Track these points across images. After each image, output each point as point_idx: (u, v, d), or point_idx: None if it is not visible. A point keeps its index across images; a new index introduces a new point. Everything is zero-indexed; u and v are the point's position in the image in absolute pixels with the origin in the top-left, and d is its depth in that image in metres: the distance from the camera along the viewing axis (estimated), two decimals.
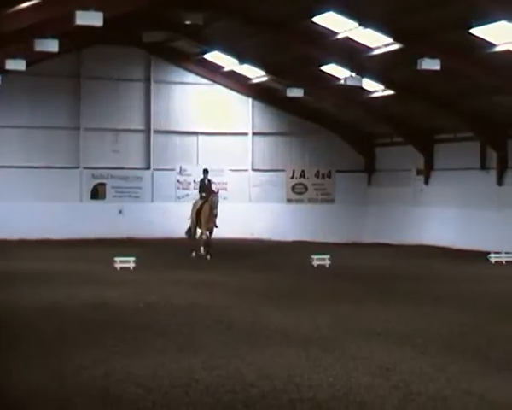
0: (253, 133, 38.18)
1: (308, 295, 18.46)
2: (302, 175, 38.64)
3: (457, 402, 9.34)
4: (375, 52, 27.35)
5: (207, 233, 27.01)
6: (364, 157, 39.04)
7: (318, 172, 38.75)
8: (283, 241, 35.24)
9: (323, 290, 19.23)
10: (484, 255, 27.09)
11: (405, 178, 36.60)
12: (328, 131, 38.34)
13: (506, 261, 26.57)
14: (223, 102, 37.54)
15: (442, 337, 13.36)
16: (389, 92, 31.29)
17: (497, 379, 10.42)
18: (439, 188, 34.58)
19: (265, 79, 35.06)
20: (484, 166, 32.53)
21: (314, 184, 38.73)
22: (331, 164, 38.59)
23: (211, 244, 26.91)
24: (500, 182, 31.55)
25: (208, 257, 26.54)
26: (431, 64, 24.66)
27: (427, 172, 35.53)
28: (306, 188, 38.69)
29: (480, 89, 27.96)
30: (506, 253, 27.17)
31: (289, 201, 38.51)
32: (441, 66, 24.63)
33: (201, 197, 27.81)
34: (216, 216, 26.66)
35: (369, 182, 39.22)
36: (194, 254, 26.97)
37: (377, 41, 26.58)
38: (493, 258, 26.81)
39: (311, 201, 38.59)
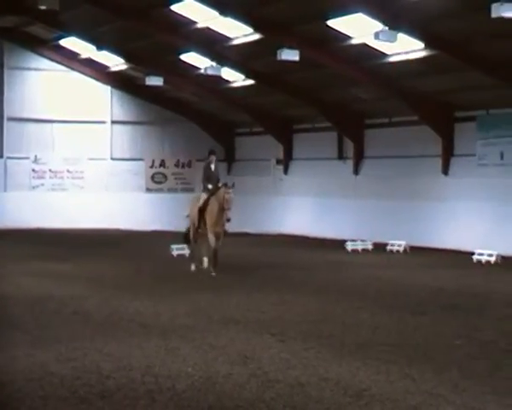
0: (112, 122, 37.65)
1: (167, 284, 18.31)
2: (162, 164, 38.40)
3: (314, 389, 9.43)
4: (235, 42, 27.44)
5: (213, 240, 20.29)
6: (224, 147, 39.13)
7: (178, 161, 38.60)
8: (143, 231, 34.91)
9: (183, 280, 19.14)
10: (341, 244, 27.65)
11: (265, 168, 36.90)
12: (189, 120, 38.24)
13: (362, 249, 27.21)
14: (80, 89, 36.80)
15: (300, 325, 13.50)
16: (249, 82, 31.45)
17: (351, 365, 10.59)
18: (298, 177, 35.05)
19: (124, 67, 34.59)
20: (341, 156, 33.21)
21: (174, 174, 38.55)
22: (191, 153, 38.49)
23: (217, 255, 20.23)
24: (356, 171, 32.27)
25: (213, 274, 19.86)
26: (290, 55, 24.95)
27: (286, 162, 35.97)
28: (166, 177, 38.47)
29: (338, 80, 28.49)
30: (362, 241, 27.84)
31: (149, 190, 38.19)
32: (300, 57, 24.97)
33: (206, 189, 20.75)
34: (228, 220, 20.45)
35: (229, 171, 39.31)
36: (193, 267, 20.74)
37: (237, 31, 26.64)
38: (350, 246, 27.42)
39: (170, 190, 38.38)
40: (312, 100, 31.58)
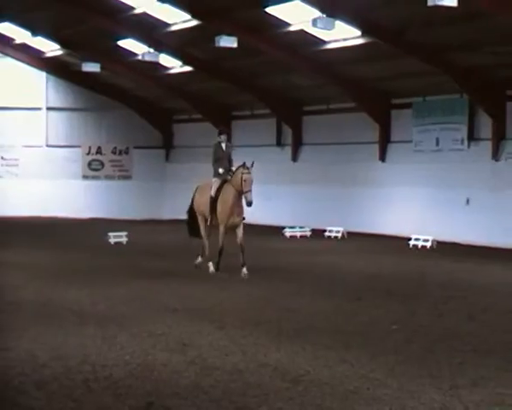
0: (48, 108, 37.16)
1: (105, 272, 18.15)
2: (99, 151, 38.03)
3: (253, 375, 9.44)
4: (173, 28, 27.26)
5: (223, 235, 17.85)
6: (162, 133, 38.98)
7: (116, 148, 38.27)
8: (79, 218, 34.58)
9: (120, 268, 19.00)
10: (279, 230, 27.75)
11: (204, 155, 36.73)
12: (126, 106, 37.94)
13: (300, 236, 27.35)
14: (15, 75, 36.25)
15: (239, 311, 13.51)
16: (187, 69, 31.28)
17: (289, 350, 10.64)
18: (236, 164, 34.91)
19: (60, 52, 34.12)
20: (280, 143, 33.29)
21: (111, 161, 38.23)
22: (128, 140, 38.21)
23: (244, 250, 17.66)
24: (295, 158, 32.39)
25: (245, 271, 17.38)
26: (228, 41, 24.87)
27: None
28: (103, 164, 38.11)
29: (276, 67, 28.51)
30: (300, 227, 27.98)
31: (85, 177, 37.81)
32: (238, 43, 24.90)
33: (217, 174, 18.16)
34: (250, 204, 17.41)
35: (167, 158, 39.21)
36: (211, 267, 18.12)
37: (175, 17, 26.46)
38: (288, 232, 27.53)
39: (107, 177, 38.06)
40: (251, 87, 31.58)
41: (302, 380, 9.20)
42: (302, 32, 24.67)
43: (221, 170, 17.98)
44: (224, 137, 18.42)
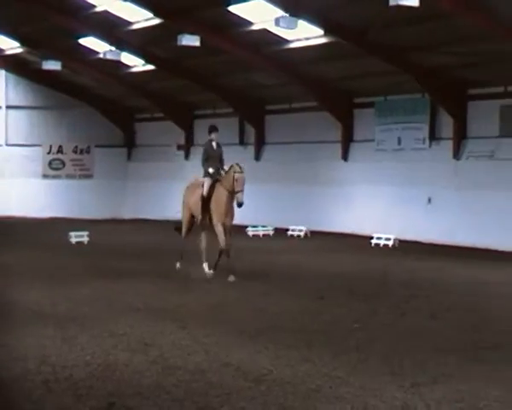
0: (7, 107, 36.77)
1: (66, 272, 17.98)
2: (60, 150, 37.72)
3: (215, 374, 9.39)
4: (135, 26, 27.12)
5: (223, 236, 17.05)
6: (124, 132, 38.79)
7: (77, 147, 37.99)
8: (40, 218, 34.25)
9: (82, 268, 18.83)
10: (242, 229, 27.71)
11: (166, 154, 36.68)
12: (87, 105, 37.69)
13: (263, 234, 27.35)
14: None
15: (202, 311, 13.45)
16: (149, 67, 31.13)
17: (252, 350, 10.61)
18: (200, 163, 34.81)
19: (20, 50, 33.75)
20: (242, 142, 33.26)
21: (72, 160, 37.94)
22: (90, 139, 37.95)
23: (229, 252, 17.11)
24: (257, 157, 32.38)
25: (232, 278, 16.69)
26: (191, 40, 24.78)
27: (187, 148, 35.83)
28: (64, 163, 37.81)
29: (239, 66, 28.47)
30: (263, 226, 27.98)
31: (46, 176, 37.47)
32: (201, 42, 24.83)
33: (208, 174, 17.57)
34: (241, 205, 16.71)
35: (129, 157, 39.02)
36: (207, 270, 17.54)
37: (137, 15, 26.31)
38: (251, 231, 27.51)
39: (68, 176, 37.78)
40: (213, 86, 31.51)
41: (264, 379, 9.18)
42: (265, 31, 24.65)
43: (211, 170, 17.37)
44: (214, 135, 17.74)
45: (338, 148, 28.97)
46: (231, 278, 16.62)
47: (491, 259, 20.63)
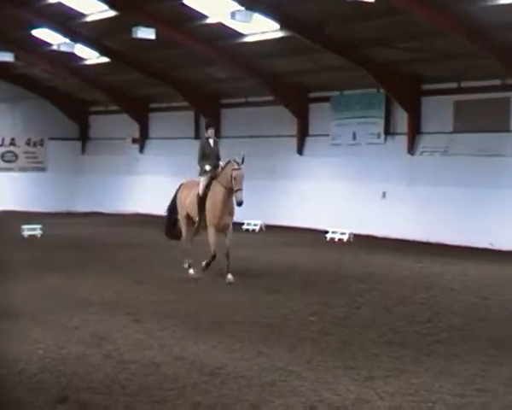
0: None
1: (19, 266, 17.78)
2: (12, 143, 37.26)
3: (170, 368, 9.36)
4: (89, 18, 26.86)
5: (214, 237, 16.28)
6: (78, 125, 38.46)
7: (30, 139, 37.57)
8: None
9: (35, 261, 18.64)
10: None
11: (120, 147, 36.44)
12: (41, 97, 37.27)
13: None
14: None
15: (156, 305, 13.39)
16: (104, 60, 30.86)
17: (207, 343, 10.60)
18: (154, 157, 34.80)
19: None
20: (197, 136, 33.11)
21: (25, 152, 37.52)
22: (43, 131, 37.55)
23: (229, 254, 16.16)
24: None
25: (230, 277, 15.86)
26: (146, 33, 24.62)
27: (142, 141, 35.66)
28: (17, 156, 37.38)
29: (194, 59, 28.36)
30: None
31: None
32: (156, 35, 24.67)
33: (204, 171, 16.61)
34: (240, 204, 15.90)
35: (83, 150, 38.71)
36: (192, 271, 16.67)
37: (91, 7, 26.06)
38: None
39: (21, 169, 37.34)
40: (169, 79, 31.36)
41: (219, 373, 9.17)
42: (220, 24, 24.59)
43: (208, 167, 16.45)
44: (211, 131, 16.87)
45: (293, 142, 29.02)
46: (230, 278, 15.77)
47: (443, 253, 20.83)
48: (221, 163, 16.64)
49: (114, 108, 35.86)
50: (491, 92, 23.00)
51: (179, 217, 17.28)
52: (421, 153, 25.00)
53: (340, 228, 24.50)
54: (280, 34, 24.09)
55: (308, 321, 12.25)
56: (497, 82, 22.74)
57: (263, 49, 25.70)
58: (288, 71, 27.30)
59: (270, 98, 28.79)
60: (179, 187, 17.65)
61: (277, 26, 23.66)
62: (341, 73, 25.69)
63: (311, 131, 28.75)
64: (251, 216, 27.86)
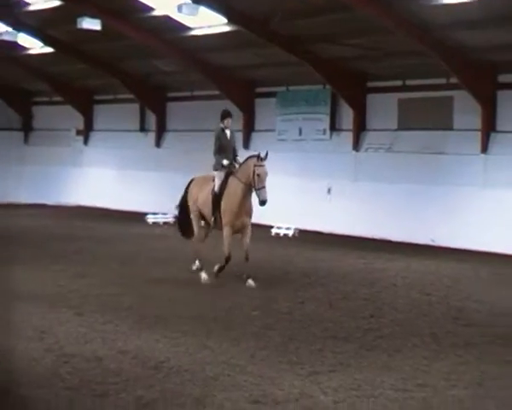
0: None
1: None
2: None
3: (112, 362, 9.29)
4: (33, 7, 26.48)
5: (229, 238, 15.21)
6: (21, 115, 37.93)
7: None
8: None
9: None
10: (142, 216, 27.48)
11: (65, 138, 36.03)
12: None
13: (163, 222, 27.15)
14: None
15: (99, 298, 13.28)
16: (48, 50, 30.43)
17: (150, 337, 10.54)
18: (99, 149, 34.48)
19: None
20: (143, 129, 32.98)
21: None
22: None
23: (248, 256, 15.11)
24: (158, 144, 32.15)
25: (251, 282, 14.78)
26: (91, 24, 24.37)
27: (86, 133, 35.33)
28: None
29: (140, 51, 28.14)
30: (163, 214, 27.79)
31: None
32: (102, 26, 24.44)
33: (220, 166, 15.45)
34: (264, 203, 15.00)
35: (26, 141, 38.21)
36: (204, 275, 15.36)
37: None
38: (151, 219, 27.30)
39: None
40: (114, 71, 31.09)
41: (162, 367, 9.12)
42: (167, 17, 24.45)
43: (225, 161, 15.27)
44: (228, 121, 15.64)
45: (239, 137, 28.95)
46: (251, 283, 14.73)
47: (387, 250, 21.01)
48: (239, 158, 15.61)
49: (59, 98, 35.44)
50: (436, 91, 23.24)
51: (191, 215, 15.98)
52: (366, 149, 25.17)
53: (285, 223, 24.55)
54: (227, 28, 24.04)
55: (252, 315, 12.25)
56: (441, 81, 22.99)
57: (209, 43, 25.61)
58: (234, 65, 27.26)
59: (217, 92, 28.70)
60: (189, 183, 16.48)
61: (224, 20, 23.61)
62: (288, 69, 25.72)
63: (257, 127, 28.75)
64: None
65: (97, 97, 34.94)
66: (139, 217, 27.83)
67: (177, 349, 9.95)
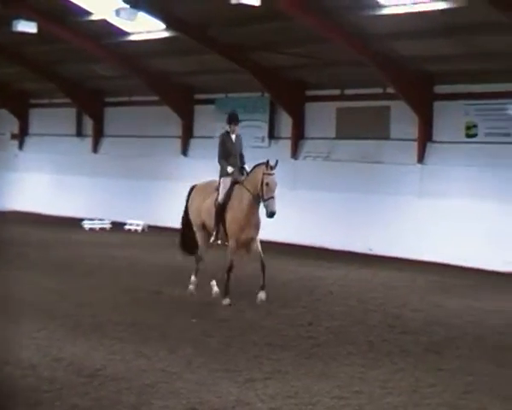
0: None
1: None
2: None
3: (46, 370, 9.14)
4: None
5: (233, 251, 14.20)
6: None
7: None
8: None
9: None
10: (78, 222, 27.19)
11: None
12: None
13: (100, 228, 26.91)
14: None
15: (34, 304, 13.07)
16: None
17: (85, 345, 10.40)
18: (34, 154, 34.05)
19: None
20: (80, 134, 32.65)
21: None
22: None
23: (264, 269, 14.11)
24: (95, 150, 31.87)
25: (263, 296, 13.86)
26: (27, 26, 24.06)
27: (21, 137, 34.87)
28: None
29: (77, 56, 27.89)
30: (100, 220, 27.54)
31: None
32: (38, 29, 24.14)
33: (226, 173, 14.36)
34: (273, 214, 13.88)
35: None
36: (215, 287, 14.53)
37: None
38: (87, 225, 27.02)
39: None
40: (50, 74, 30.76)
41: (98, 375, 9.00)
42: (105, 21, 24.27)
43: (230, 168, 14.18)
44: (234, 126, 14.58)
45: (178, 143, 28.89)
46: (262, 297, 13.81)
47: (326, 258, 21.09)
48: (246, 166, 14.50)
49: None
50: (373, 100, 23.47)
51: (194, 228, 14.87)
52: (305, 158, 25.29)
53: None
54: (165, 34, 23.98)
55: (190, 322, 12.18)
56: (378, 90, 23.22)
57: (148, 49, 25.51)
58: (173, 71, 27.17)
59: (155, 98, 28.58)
60: (190, 191, 15.41)
61: (163, 25, 23.52)
62: (227, 76, 25.73)
63: (195, 133, 28.68)
64: (133, 216, 27.61)
65: (33, 101, 34.52)
66: (75, 222, 27.53)
67: (113, 357, 9.83)
